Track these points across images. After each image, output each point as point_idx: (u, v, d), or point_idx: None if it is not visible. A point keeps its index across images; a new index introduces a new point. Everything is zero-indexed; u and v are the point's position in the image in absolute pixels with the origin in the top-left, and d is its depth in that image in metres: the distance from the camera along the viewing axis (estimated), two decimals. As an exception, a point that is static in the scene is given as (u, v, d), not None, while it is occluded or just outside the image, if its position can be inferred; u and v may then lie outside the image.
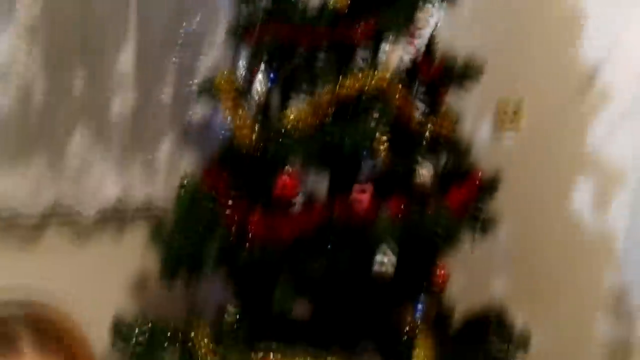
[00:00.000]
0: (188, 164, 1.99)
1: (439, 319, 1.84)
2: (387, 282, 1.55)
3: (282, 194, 1.46)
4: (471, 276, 2.26)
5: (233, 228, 1.56)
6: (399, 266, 1.45)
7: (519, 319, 1.88)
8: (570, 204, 2.07)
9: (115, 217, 1.92)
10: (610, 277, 1.96)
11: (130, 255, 2.07)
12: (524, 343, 1.80)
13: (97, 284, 2.07)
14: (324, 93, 1.54)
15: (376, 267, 1.41)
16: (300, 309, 1.90)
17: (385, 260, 1.42)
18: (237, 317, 1.80)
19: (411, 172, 1.59)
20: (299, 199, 1.54)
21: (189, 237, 1.61)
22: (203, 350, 1.64)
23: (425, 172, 1.59)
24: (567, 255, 2.07)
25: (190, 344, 1.67)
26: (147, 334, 1.69)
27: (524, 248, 2.16)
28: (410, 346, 1.69)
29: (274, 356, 1.59)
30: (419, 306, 1.79)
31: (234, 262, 1.55)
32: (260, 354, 1.60)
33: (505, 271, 2.23)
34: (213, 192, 1.64)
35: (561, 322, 2.08)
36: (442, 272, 1.63)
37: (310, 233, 1.50)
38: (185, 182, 1.69)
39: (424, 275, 1.65)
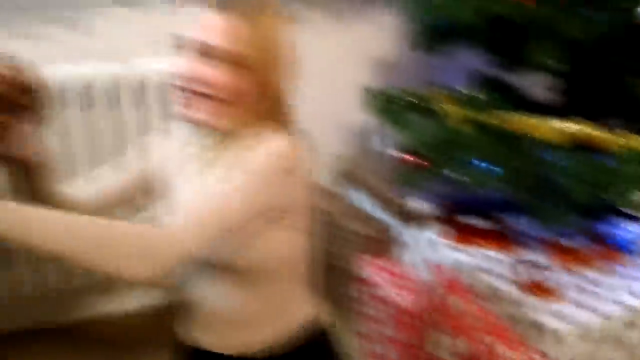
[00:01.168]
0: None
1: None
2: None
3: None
4: None
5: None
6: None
7: None
8: None
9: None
10: None
11: (380, 33, 2.23)
12: None
13: (349, 59, 2.30)
14: None
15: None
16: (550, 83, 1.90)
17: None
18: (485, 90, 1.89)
19: None
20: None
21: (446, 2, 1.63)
22: (448, 113, 1.74)
23: None
24: None
25: (433, 111, 1.80)
26: (398, 102, 1.85)
27: None
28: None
29: (519, 118, 1.63)
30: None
31: (490, 24, 1.54)
32: (507, 114, 1.65)
33: None
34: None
35: None
36: None
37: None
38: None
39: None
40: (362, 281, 1.95)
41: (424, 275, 1.86)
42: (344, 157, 2.34)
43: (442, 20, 1.66)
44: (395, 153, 2.05)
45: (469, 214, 1.85)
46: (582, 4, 1.38)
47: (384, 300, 1.85)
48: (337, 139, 2.41)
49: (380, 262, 1.99)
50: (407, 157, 1.79)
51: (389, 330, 1.78)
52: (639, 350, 1.50)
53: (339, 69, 2.29)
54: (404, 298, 1.79)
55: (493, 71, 1.95)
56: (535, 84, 1.91)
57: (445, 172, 1.77)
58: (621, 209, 1.68)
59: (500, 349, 1.38)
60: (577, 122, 1.56)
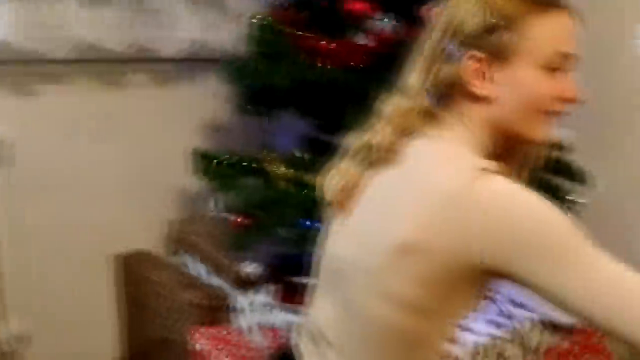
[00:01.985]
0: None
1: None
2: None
3: (352, 15, 1.52)
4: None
5: (304, 56, 1.62)
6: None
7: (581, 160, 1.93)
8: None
9: (191, 60, 2.05)
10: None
11: (205, 97, 2.23)
12: (581, 179, 1.85)
13: (176, 123, 2.27)
14: None
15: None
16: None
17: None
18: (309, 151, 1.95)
19: None
20: (369, 25, 1.59)
21: (262, 67, 1.68)
22: (278, 175, 1.76)
23: None
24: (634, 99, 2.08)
25: (264, 172, 1.81)
26: (225, 164, 1.84)
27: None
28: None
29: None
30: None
31: (305, 88, 1.61)
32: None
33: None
34: (284, 26, 1.70)
35: (626, 162, 2.12)
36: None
37: (383, 58, 1.55)
38: (257, 18, 1.75)
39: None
40: (196, 353, 1.85)
41: (259, 340, 1.81)
42: (175, 222, 2.26)
43: (260, 85, 1.71)
44: (226, 216, 2.02)
45: (300, 274, 1.85)
46: (386, 68, 1.49)
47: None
48: (167, 205, 2.33)
49: (214, 331, 1.90)
50: (237, 219, 1.76)
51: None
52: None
53: (167, 133, 2.25)
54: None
55: (319, 134, 2.03)
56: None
57: (275, 232, 1.78)
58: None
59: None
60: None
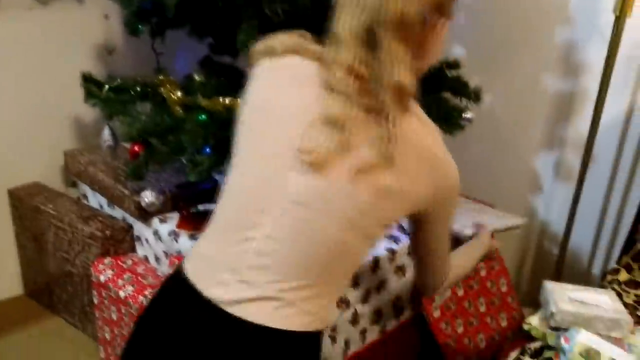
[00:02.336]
0: None
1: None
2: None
3: None
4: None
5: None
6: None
7: (474, 78, 2.00)
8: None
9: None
10: (560, 35, 2.06)
11: (95, 19, 2.09)
12: (476, 97, 1.92)
13: (65, 47, 2.13)
14: None
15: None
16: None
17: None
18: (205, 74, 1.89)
19: None
20: None
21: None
22: (173, 100, 1.70)
23: None
24: (522, 15, 2.15)
25: (160, 98, 1.74)
26: (117, 89, 1.75)
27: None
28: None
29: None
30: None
31: (196, 5, 1.54)
32: (228, 99, 1.67)
33: (464, 36, 2.32)
34: None
35: (513, 78, 2.22)
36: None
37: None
38: None
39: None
40: (100, 285, 1.83)
41: (166, 269, 1.81)
42: (71, 153, 2.16)
43: (150, 4, 1.61)
44: (122, 145, 1.95)
45: (201, 201, 1.84)
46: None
47: (123, 301, 1.75)
48: (62, 135, 2.22)
49: (118, 261, 1.88)
50: (134, 148, 1.70)
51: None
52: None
53: (57, 59, 2.11)
54: (144, 295, 1.72)
55: (218, 56, 1.97)
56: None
57: (175, 159, 1.74)
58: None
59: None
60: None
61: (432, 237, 1.07)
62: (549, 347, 1.24)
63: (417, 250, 1.11)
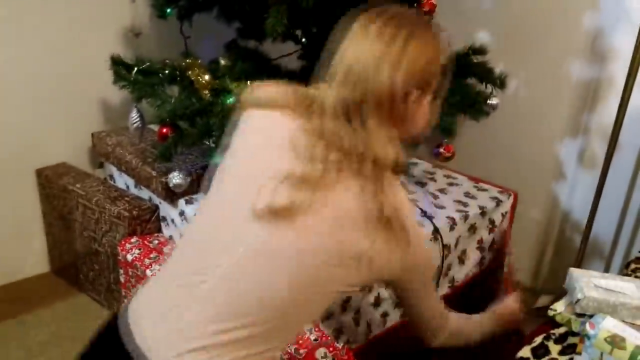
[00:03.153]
0: None
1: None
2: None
3: None
4: (455, 23, 2.34)
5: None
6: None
7: (499, 64, 1.99)
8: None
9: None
10: (588, 21, 2.04)
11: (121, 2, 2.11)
12: (501, 83, 1.91)
13: (94, 29, 2.15)
14: None
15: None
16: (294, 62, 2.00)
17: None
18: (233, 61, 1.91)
19: None
20: None
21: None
22: (201, 84, 1.72)
23: None
24: (548, 0, 2.13)
25: (187, 81, 1.76)
26: (146, 72, 1.77)
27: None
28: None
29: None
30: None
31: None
32: (256, 82, 1.68)
33: (488, 20, 2.31)
34: None
35: (539, 65, 2.21)
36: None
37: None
38: None
39: (411, 2, 1.69)
40: (127, 264, 1.87)
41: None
42: (99, 134, 2.20)
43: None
44: (150, 127, 1.98)
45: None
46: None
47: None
48: (90, 116, 2.25)
49: (144, 241, 1.92)
50: (162, 130, 1.73)
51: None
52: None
53: (85, 40, 2.13)
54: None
55: (245, 41, 1.98)
56: (285, 52, 1.98)
57: (201, 142, 1.76)
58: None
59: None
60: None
61: (409, 295, 1.09)
62: (574, 334, 1.25)
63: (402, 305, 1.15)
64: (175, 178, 1.75)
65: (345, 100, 0.96)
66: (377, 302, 1.65)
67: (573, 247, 2.22)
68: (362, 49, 0.97)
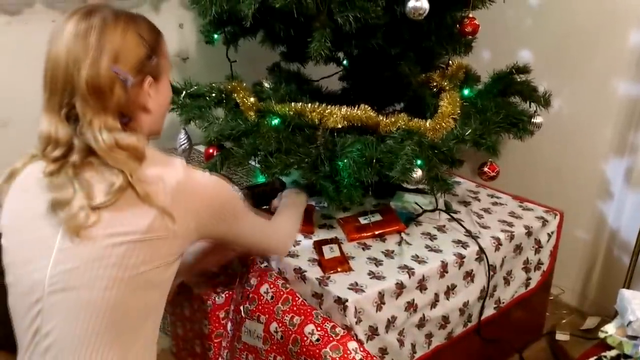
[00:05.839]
0: None
1: (467, 77, 1.95)
2: (419, 28, 1.63)
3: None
4: (498, 43, 2.35)
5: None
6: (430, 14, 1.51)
7: (543, 82, 1.98)
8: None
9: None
10: (633, 37, 2.01)
11: (171, 27, 2.17)
12: (545, 102, 1.90)
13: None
14: None
15: (410, 3, 1.47)
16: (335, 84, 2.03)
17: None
18: (276, 84, 1.95)
19: None
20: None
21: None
22: (247, 106, 1.77)
23: None
24: (592, 18, 2.12)
25: (233, 103, 1.81)
26: (193, 95, 1.83)
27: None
28: (436, 100, 1.81)
29: (311, 107, 1.71)
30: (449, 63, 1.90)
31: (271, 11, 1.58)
32: (299, 105, 1.72)
33: (531, 38, 2.30)
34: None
35: (584, 82, 2.18)
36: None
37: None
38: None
39: (453, 23, 1.71)
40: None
41: (234, 265, 1.87)
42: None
43: (227, 14, 1.68)
44: (197, 148, 2.03)
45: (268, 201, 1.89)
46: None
47: (196, 298, 1.83)
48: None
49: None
50: (210, 150, 1.78)
51: (205, 328, 1.76)
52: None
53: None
54: (216, 293, 1.78)
55: (287, 64, 2.03)
56: (327, 74, 2.02)
57: (248, 163, 1.80)
58: (403, 184, 1.85)
59: (308, 328, 1.44)
60: (362, 109, 1.68)
61: (242, 238, 1.25)
62: (626, 356, 1.23)
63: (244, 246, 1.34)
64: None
65: (60, 105, 0.98)
66: (422, 324, 1.65)
67: (621, 267, 2.17)
68: (58, 51, 0.98)
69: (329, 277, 1.53)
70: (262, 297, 1.58)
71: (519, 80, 1.92)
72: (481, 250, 1.71)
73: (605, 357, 1.22)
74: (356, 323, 1.46)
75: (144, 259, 1.00)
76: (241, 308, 1.62)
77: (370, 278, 1.53)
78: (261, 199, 1.77)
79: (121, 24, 1.00)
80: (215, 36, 1.84)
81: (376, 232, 1.73)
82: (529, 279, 1.94)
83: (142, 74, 1.04)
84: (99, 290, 0.98)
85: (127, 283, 1.00)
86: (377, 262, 1.61)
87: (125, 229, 0.98)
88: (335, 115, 1.65)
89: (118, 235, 0.98)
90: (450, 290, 1.68)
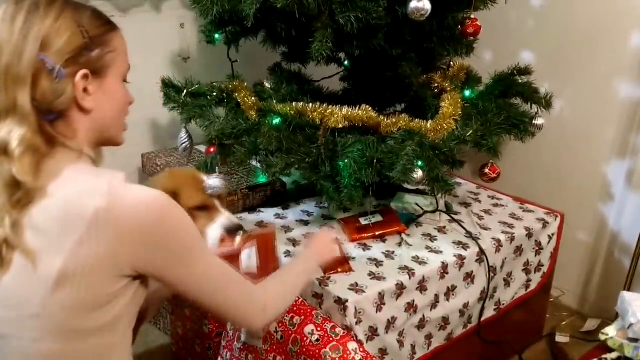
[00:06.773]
0: None
1: (468, 78, 1.94)
2: (421, 28, 1.63)
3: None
4: (499, 44, 2.34)
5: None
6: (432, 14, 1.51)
7: (544, 83, 1.98)
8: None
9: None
10: (635, 39, 2.01)
11: (172, 27, 2.17)
12: (547, 103, 1.90)
13: (143, 54, 2.22)
14: None
15: (412, 4, 1.47)
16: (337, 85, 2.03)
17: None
18: (277, 84, 1.95)
19: None
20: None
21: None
22: (248, 105, 1.76)
23: None
24: (594, 20, 2.11)
25: (234, 103, 1.81)
26: (194, 94, 1.83)
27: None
28: (437, 101, 1.80)
29: (312, 107, 1.70)
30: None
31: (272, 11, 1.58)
32: (300, 104, 1.72)
33: (533, 40, 2.30)
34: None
35: (585, 84, 2.18)
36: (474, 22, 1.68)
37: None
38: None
39: (455, 24, 1.71)
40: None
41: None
42: (149, 155, 2.26)
43: (228, 14, 1.67)
44: (198, 147, 2.03)
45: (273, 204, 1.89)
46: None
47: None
48: (140, 138, 2.32)
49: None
50: (211, 149, 1.78)
51: (205, 327, 1.76)
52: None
53: (135, 65, 2.20)
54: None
55: (288, 64, 2.02)
56: (328, 75, 2.02)
57: (249, 162, 1.80)
58: (404, 185, 1.84)
59: (308, 328, 1.44)
60: (363, 110, 1.67)
61: (195, 292, 0.96)
62: (627, 359, 1.23)
63: (202, 306, 1.00)
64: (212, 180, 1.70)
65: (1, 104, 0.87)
66: (422, 324, 1.64)
67: (622, 269, 2.17)
68: None
69: (329, 277, 1.53)
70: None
71: (520, 81, 1.92)
72: (482, 252, 1.70)
73: (605, 359, 1.22)
74: (356, 323, 1.46)
75: (63, 309, 0.85)
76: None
77: (371, 279, 1.53)
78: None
79: (55, 9, 0.89)
80: (217, 36, 1.84)
81: (377, 233, 1.73)
82: (529, 280, 1.94)
83: (77, 65, 0.90)
84: (28, 341, 0.87)
85: (56, 335, 0.87)
86: (378, 263, 1.61)
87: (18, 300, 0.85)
88: (336, 115, 1.65)
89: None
90: (450, 291, 1.68)
